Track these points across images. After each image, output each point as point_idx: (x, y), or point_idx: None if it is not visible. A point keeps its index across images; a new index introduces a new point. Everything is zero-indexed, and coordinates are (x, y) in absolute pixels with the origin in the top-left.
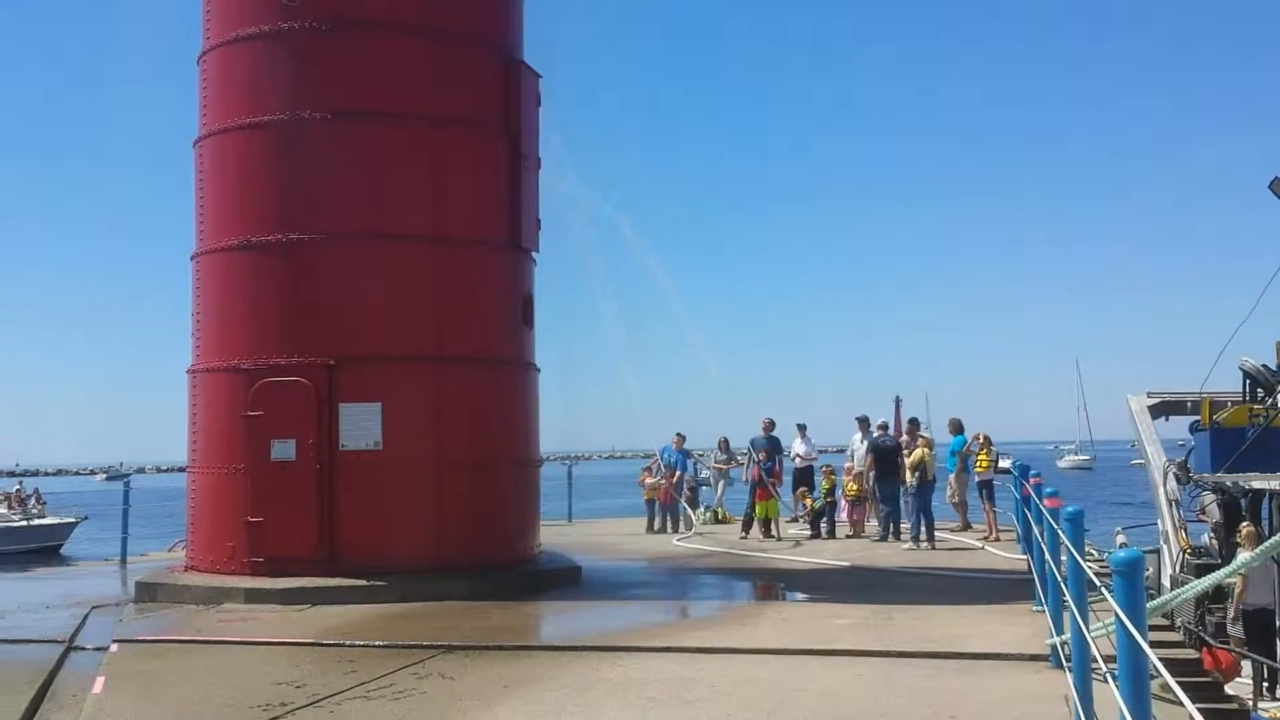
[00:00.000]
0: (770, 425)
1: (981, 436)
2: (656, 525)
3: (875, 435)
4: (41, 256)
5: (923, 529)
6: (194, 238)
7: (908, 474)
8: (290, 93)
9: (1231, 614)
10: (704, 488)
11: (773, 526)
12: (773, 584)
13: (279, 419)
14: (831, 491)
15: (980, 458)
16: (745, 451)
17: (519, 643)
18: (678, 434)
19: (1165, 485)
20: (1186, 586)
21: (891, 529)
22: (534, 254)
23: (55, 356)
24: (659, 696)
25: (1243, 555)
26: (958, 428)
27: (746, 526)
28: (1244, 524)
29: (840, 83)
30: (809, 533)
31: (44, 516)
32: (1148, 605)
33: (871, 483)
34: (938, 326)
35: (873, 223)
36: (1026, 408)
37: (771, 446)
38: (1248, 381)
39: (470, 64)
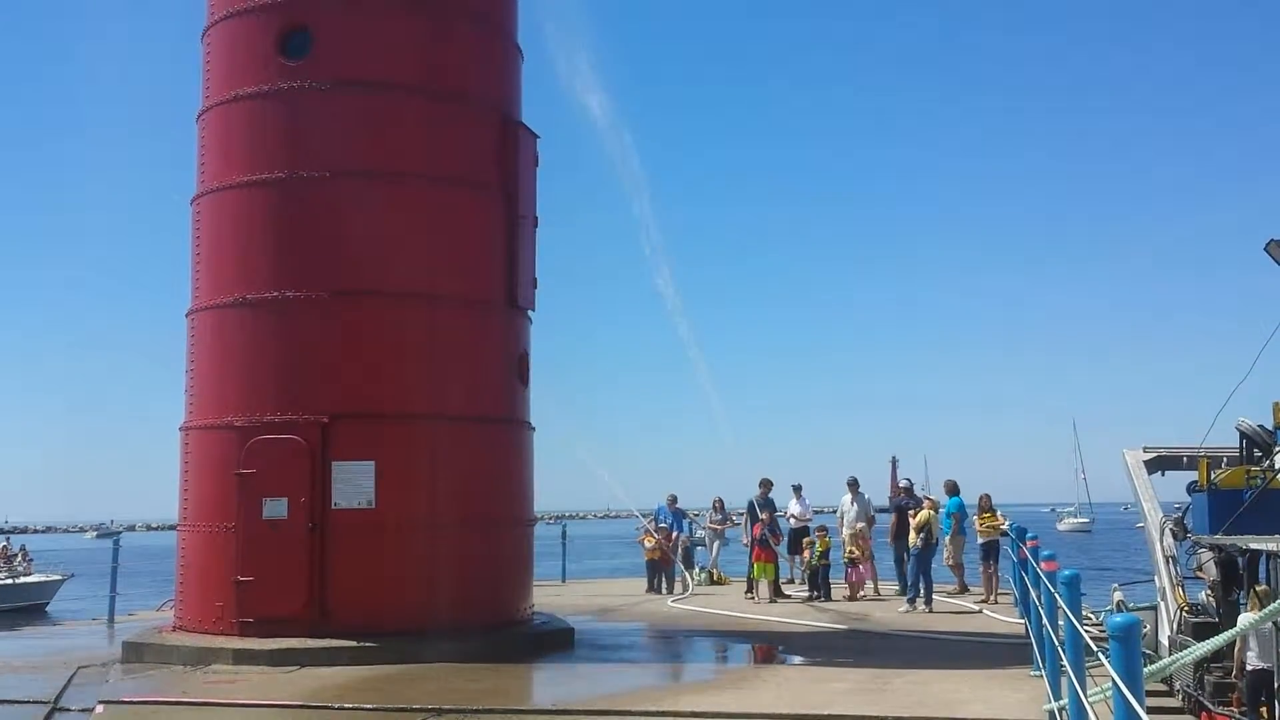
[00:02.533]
0: (768, 486)
1: (984, 499)
2: (655, 586)
3: (900, 498)
4: (33, 310)
5: (921, 590)
6: (190, 294)
7: (913, 534)
8: (288, 151)
9: (1235, 672)
10: (699, 548)
11: (770, 588)
12: (769, 646)
13: (271, 477)
14: (826, 554)
15: (986, 519)
16: (742, 512)
17: (511, 706)
18: (670, 494)
19: (1162, 542)
20: (1184, 652)
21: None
22: (530, 312)
23: (46, 412)
24: None
25: (1245, 617)
26: (954, 489)
27: (752, 587)
28: (1258, 585)
29: (833, 145)
30: (806, 593)
31: (30, 574)
32: (1147, 670)
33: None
34: (934, 387)
35: (867, 282)
36: (1024, 469)
37: (770, 507)
38: (1244, 442)
39: (468, 124)
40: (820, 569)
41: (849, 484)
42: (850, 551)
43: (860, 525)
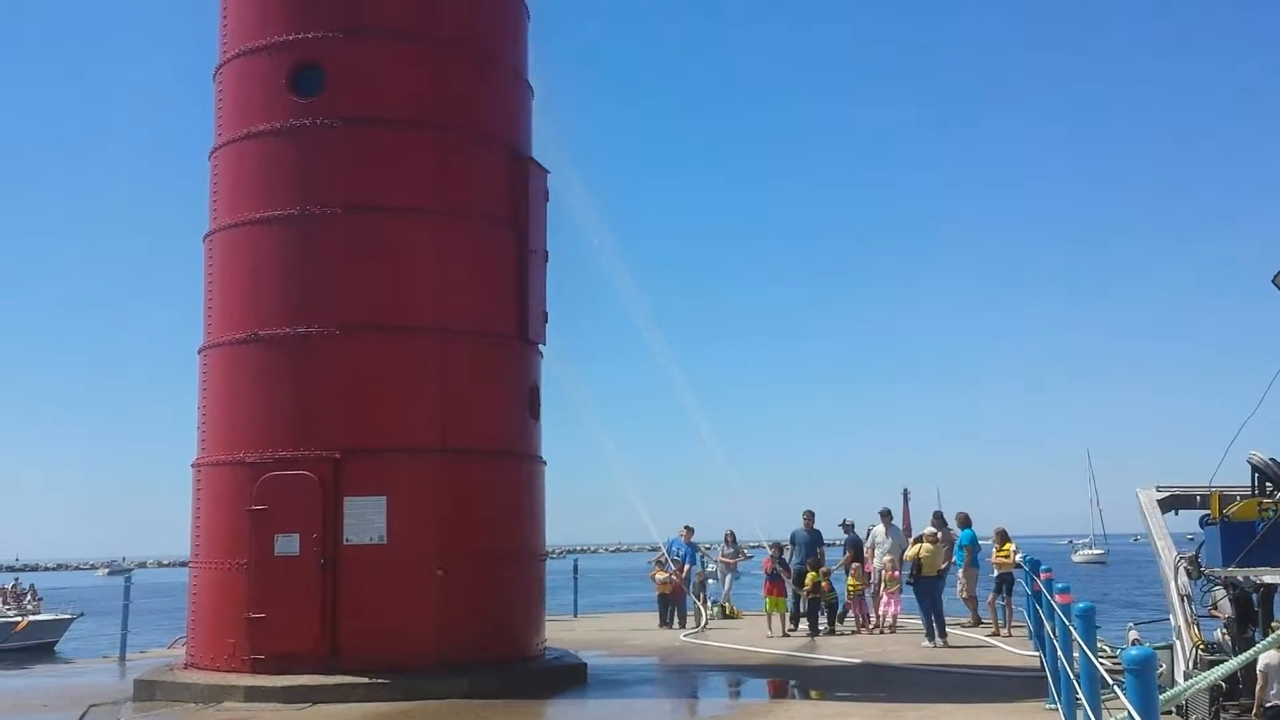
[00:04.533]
0: (810, 518)
1: (999, 532)
2: (668, 620)
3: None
4: (44, 347)
5: (933, 624)
6: (202, 331)
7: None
8: (300, 188)
9: (1255, 710)
10: (711, 581)
11: (785, 621)
12: (783, 681)
13: (283, 513)
14: (816, 588)
15: (1003, 552)
16: (755, 544)
17: None
18: (686, 526)
19: (1176, 580)
20: (1199, 677)
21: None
22: (541, 346)
23: (58, 450)
24: None
25: (1266, 653)
26: (965, 521)
27: (794, 620)
28: (1276, 622)
29: (835, 169)
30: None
31: (39, 613)
32: (1164, 696)
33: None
34: (947, 418)
35: (879, 312)
36: (1039, 501)
37: (814, 540)
38: (1256, 475)
39: (479, 159)
40: (812, 603)
41: (882, 515)
42: (852, 584)
43: (889, 558)
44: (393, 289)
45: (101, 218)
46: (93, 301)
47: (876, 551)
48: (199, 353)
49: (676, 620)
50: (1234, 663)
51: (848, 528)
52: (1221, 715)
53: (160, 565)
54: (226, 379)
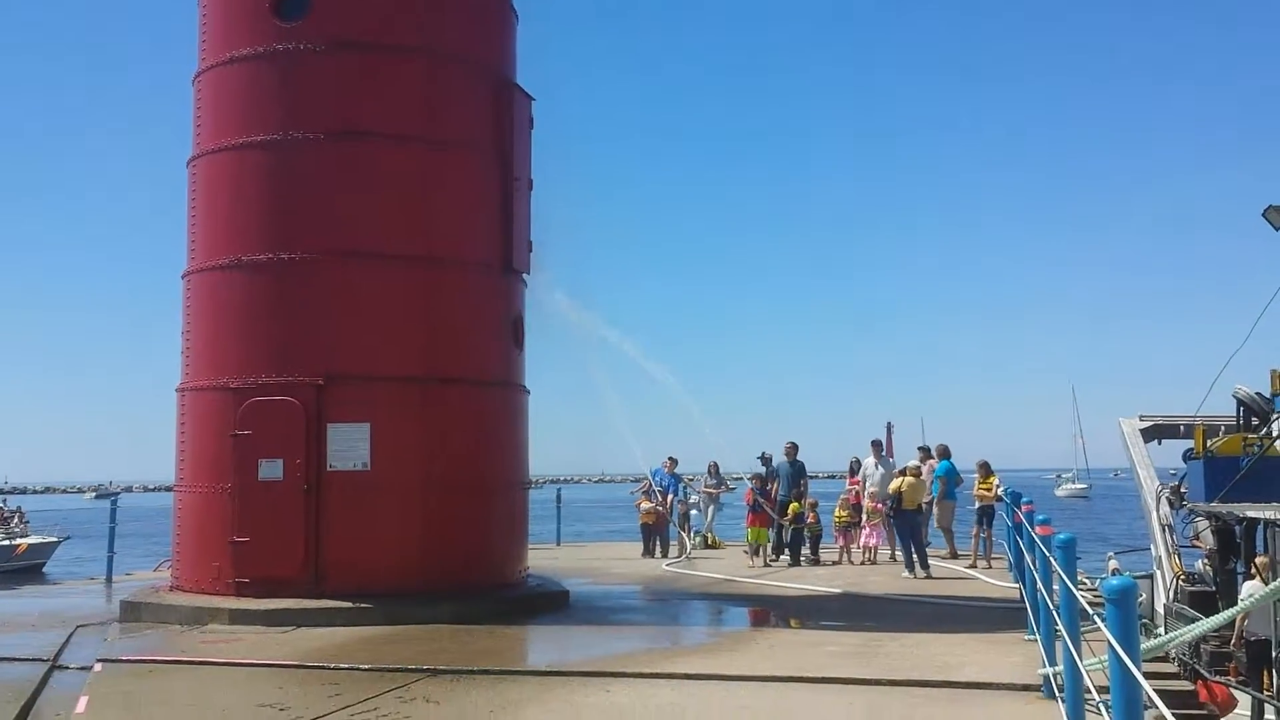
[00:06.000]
0: (793, 449)
1: (982, 465)
2: (651, 550)
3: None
4: (31, 271)
5: (914, 557)
6: (185, 256)
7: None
8: (283, 113)
9: (1235, 642)
10: (694, 512)
11: (765, 551)
12: (763, 610)
13: (267, 438)
14: (799, 518)
15: (986, 485)
16: (738, 475)
17: (506, 667)
18: (670, 457)
19: (1158, 510)
20: (1187, 629)
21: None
22: (525, 276)
23: (46, 373)
24: None
25: (1249, 586)
26: (945, 453)
27: (777, 550)
28: (1258, 556)
29: (833, 108)
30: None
31: (26, 535)
32: (1148, 645)
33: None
34: (932, 352)
35: (866, 248)
36: (1024, 435)
37: (797, 472)
38: (1242, 409)
39: (463, 86)
40: (795, 533)
41: (873, 445)
42: (840, 515)
43: (874, 489)
44: (377, 215)
45: (91, 147)
46: (80, 223)
47: (866, 484)
48: (183, 278)
49: (659, 550)
50: (1220, 618)
51: (765, 460)
52: (1202, 646)
53: (146, 489)
54: (210, 304)
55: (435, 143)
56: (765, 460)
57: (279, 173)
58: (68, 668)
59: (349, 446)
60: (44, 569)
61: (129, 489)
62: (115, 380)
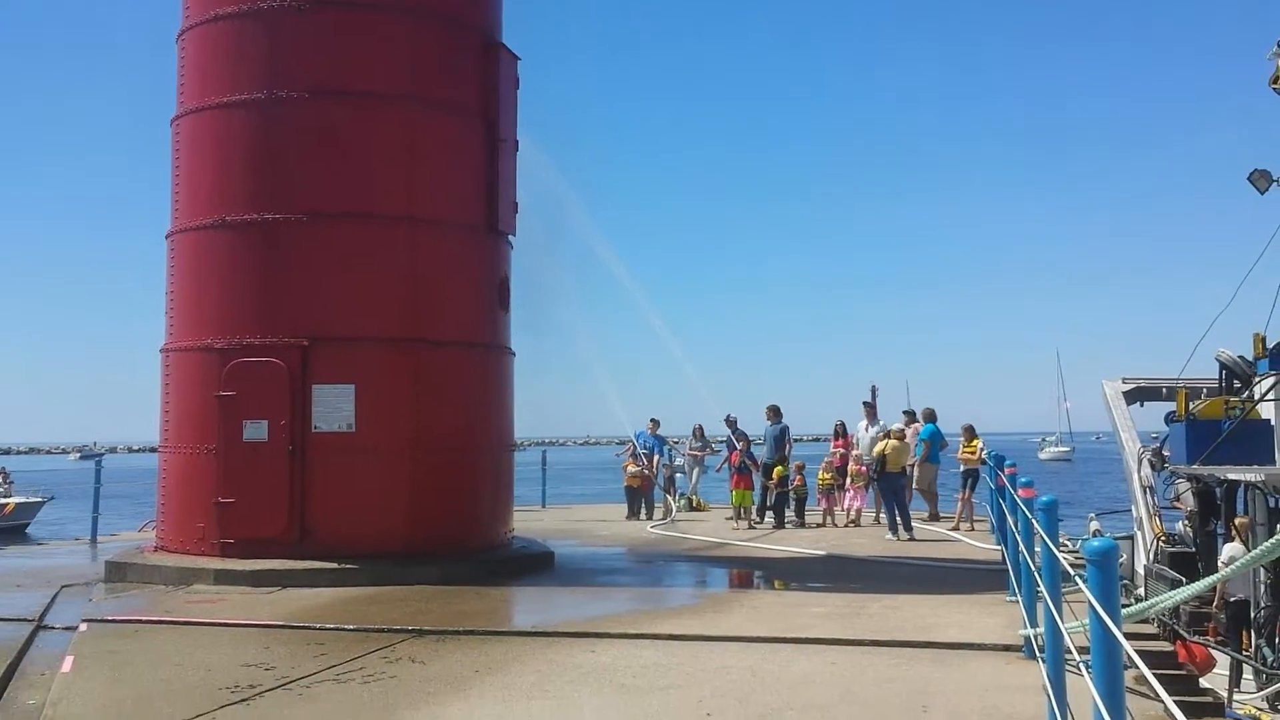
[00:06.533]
0: (775, 413)
1: (967, 429)
2: (636, 512)
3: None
4: (15, 232)
5: (897, 519)
6: (169, 215)
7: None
8: (268, 72)
9: (1215, 603)
10: (679, 475)
11: (749, 514)
12: (748, 572)
13: (252, 399)
14: (802, 482)
15: (970, 448)
16: (724, 439)
17: (491, 628)
18: (652, 419)
19: (1139, 472)
20: (1169, 594)
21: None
22: (510, 237)
23: (30, 334)
24: (631, 683)
25: (1229, 548)
26: (930, 416)
27: (761, 513)
28: (1238, 517)
29: (818, 73)
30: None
31: (10, 496)
32: (1130, 610)
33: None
34: (917, 316)
35: (852, 213)
36: (1009, 399)
37: (780, 434)
38: (1224, 373)
39: (449, 45)
40: (780, 496)
41: (865, 406)
42: (824, 478)
43: (857, 452)
44: (361, 176)
45: (74, 105)
46: (64, 182)
47: (861, 445)
48: (167, 237)
49: (644, 513)
50: (1202, 584)
51: (731, 424)
52: (1182, 608)
53: (131, 451)
54: (194, 264)
55: (420, 102)
56: (731, 424)
57: (263, 132)
58: (53, 628)
59: (334, 408)
60: (27, 530)
61: (113, 450)
62: (100, 341)
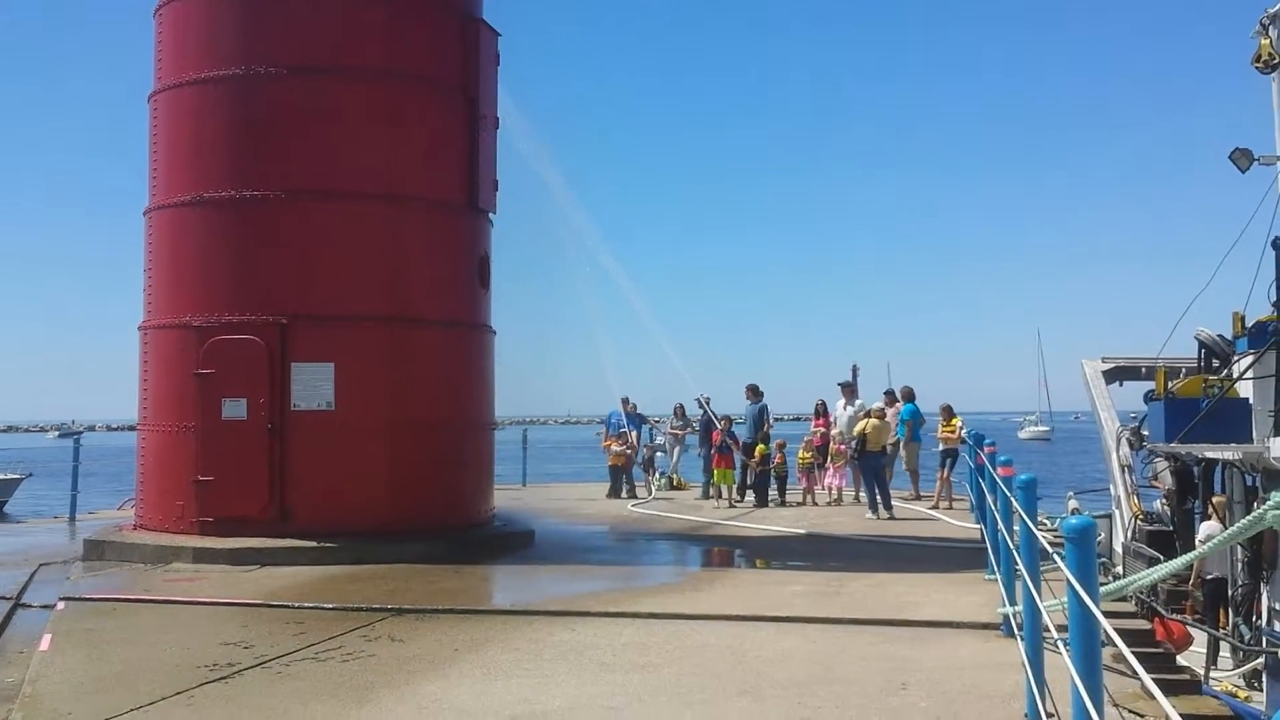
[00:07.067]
0: (753, 392)
1: (945, 408)
2: (618, 491)
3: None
4: None
5: (877, 498)
6: (147, 192)
7: (833, 445)
8: (245, 48)
9: (1193, 581)
10: (659, 454)
11: (730, 493)
12: (728, 550)
13: (230, 377)
14: (765, 460)
15: (949, 427)
16: (700, 418)
17: (471, 606)
18: (625, 398)
19: (1118, 451)
20: (1146, 572)
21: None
22: (491, 215)
23: (9, 312)
24: (611, 661)
25: (1206, 526)
26: (909, 395)
27: (741, 492)
28: (1215, 496)
29: (799, 53)
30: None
31: None
32: (1108, 587)
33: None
34: (899, 296)
35: (832, 194)
36: (989, 379)
37: (760, 414)
38: (1203, 351)
39: (429, 21)
40: (761, 475)
41: (841, 387)
42: (804, 456)
43: (837, 431)
44: (340, 152)
45: (49, 80)
46: (41, 158)
47: (839, 424)
48: (145, 214)
49: (626, 491)
50: (1179, 562)
51: (705, 403)
52: (1159, 585)
53: (110, 429)
54: (172, 241)
55: (400, 78)
56: (704, 403)
57: (241, 108)
58: (31, 606)
59: (313, 386)
60: (5, 508)
61: (92, 428)
62: (79, 319)
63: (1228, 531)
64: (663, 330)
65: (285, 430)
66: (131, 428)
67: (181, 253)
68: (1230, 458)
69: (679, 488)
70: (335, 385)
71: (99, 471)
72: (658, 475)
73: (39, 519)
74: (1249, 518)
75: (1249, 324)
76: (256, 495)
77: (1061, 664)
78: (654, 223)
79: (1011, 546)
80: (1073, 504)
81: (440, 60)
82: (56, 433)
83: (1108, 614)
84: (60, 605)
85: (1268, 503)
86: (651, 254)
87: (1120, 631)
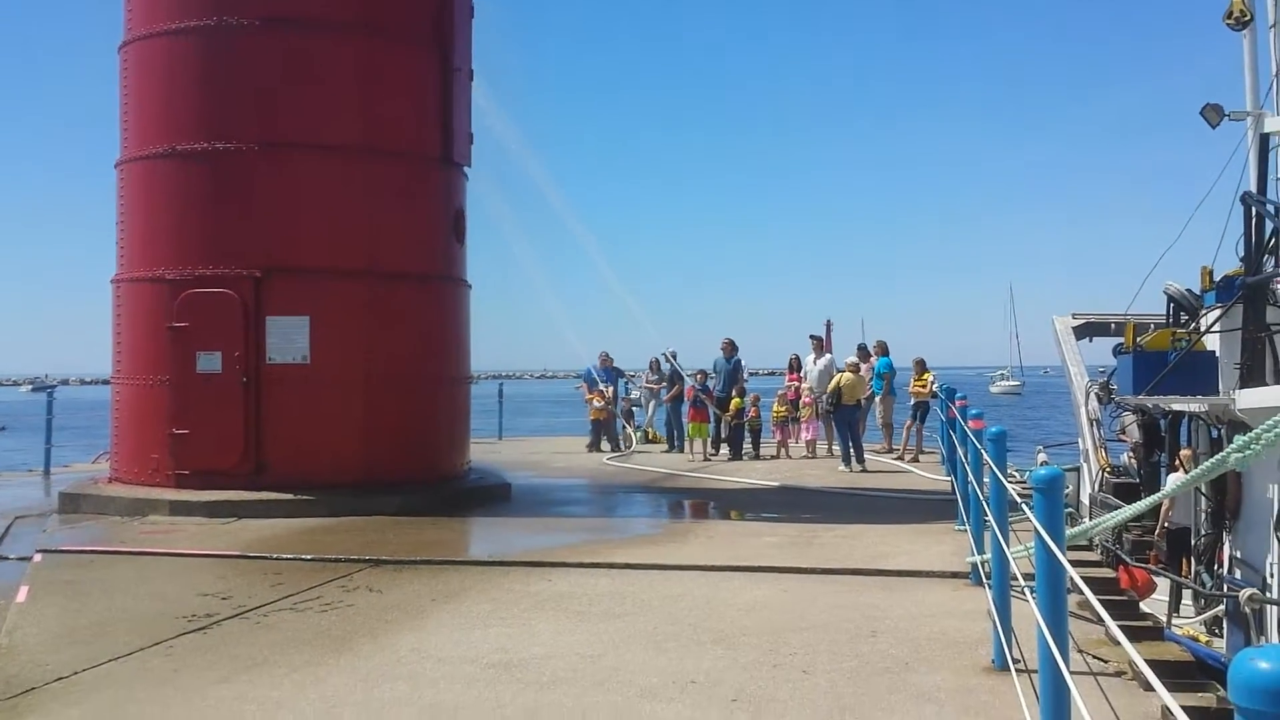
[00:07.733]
0: (730, 347)
1: (918, 362)
2: (597, 444)
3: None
4: None
5: (850, 450)
6: (119, 144)
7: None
8: None
9: (1159, 530)
10: (636, 408)
11: (705, 446)
12: (703, 503)
13: (205, 331)
14: (740, 414)
15: (921, 381)
16: (690, 372)
17: (447, 557)
18: (602, 352)
19: (1087, 405)
20: (1111, 514)
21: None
22: (466, 169)
23: None
24: (586, 610)
25: (1173, 477)
26: (884, 350)
27: (716, 445)
28: (1183, 449)
29: (774, 13)
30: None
31: None
32: (1071, 531)
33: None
34: (873, 251)
35: (806, 149)
36: (963, 334)
37: (735, 369)
38: (1171, 305)
39: None
40: (735, 428)
41: (813, 340)
42: (778, 410)
43: (807, 385)
44: (313, 105)
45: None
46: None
47: (809, 378)
48: (116, 166)
49: (608, 444)
50: (1142, 505)
51: (670, 357)
52: (1124, 535)
53: (84, 382)
54: (144, 194)
55: (373, 30)
56: (669, 358)
57: (213, 60)
58: (7, 558)
59: (288, 339)
60: None
61: (65, 382)
62: (51, 271)
63: (1193, 473)
64: (625, 285)
65: (260, 384)
66: (105, 381)
67: (154, 205)
68: (1197, 409)
69: (655, 441)
70: (310, 339)
71: (72, 425)
72: (635, 428)
73: (13, 473)
74: (1213, 459)
75: (1217, 278)
76: (232, 448)
77: (1028, 611)
78: (632, 177)
79: (981, 498)
80: (1042, 458)
81: (415, 12)
82: (29, 386)
83: (1073, 563)
84: (37, 557)
85: (1230, 446)
86: (628, 209)
87: (1085, 579)
